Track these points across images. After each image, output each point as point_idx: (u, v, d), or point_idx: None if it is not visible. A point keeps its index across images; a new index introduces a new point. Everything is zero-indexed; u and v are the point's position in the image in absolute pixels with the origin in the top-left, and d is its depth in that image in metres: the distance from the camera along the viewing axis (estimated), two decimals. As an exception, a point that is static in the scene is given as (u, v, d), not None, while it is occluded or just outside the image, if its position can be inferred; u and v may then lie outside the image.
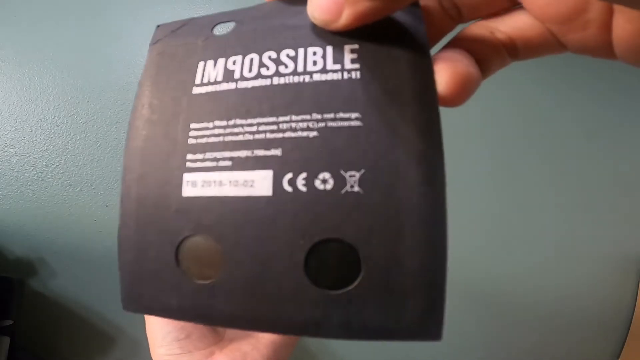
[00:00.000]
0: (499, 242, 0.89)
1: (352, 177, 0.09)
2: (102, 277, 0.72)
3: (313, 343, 0.80)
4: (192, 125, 0.11)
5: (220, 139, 0.10)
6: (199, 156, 0.10)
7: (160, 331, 0.26)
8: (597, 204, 0.94)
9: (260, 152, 0.10)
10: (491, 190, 0.89)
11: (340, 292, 0.09)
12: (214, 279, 0.10)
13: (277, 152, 0.10)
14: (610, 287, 0.94)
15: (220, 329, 0.29)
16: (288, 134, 0.10)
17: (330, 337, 0.09)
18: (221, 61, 0.11)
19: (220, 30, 0.12)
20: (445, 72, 0.10)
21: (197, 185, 0.10)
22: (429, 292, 0.09)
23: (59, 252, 0.70)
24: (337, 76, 0.10)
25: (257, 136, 0.10)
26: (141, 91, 0.12)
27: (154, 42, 0.12)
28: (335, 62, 0.10)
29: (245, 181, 0.10)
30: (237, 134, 0.10)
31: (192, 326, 0.26)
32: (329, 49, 0.11)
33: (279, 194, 0.10)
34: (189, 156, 0.10)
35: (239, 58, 0.11)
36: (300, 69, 0.10)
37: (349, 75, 0.10)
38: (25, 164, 0.71)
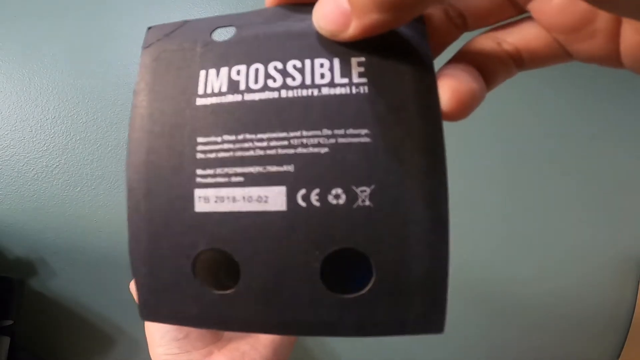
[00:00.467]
0: (499, 243, 0.89)
1: (364, 192, 0.10)
2: (102, 277, 0.72)
3: (313, 343, 0.80)
4: (199, 139, 0.11)
5: (231, 154, 0.10)
6: (210, 172, 0.10)
7: (158, 331, 0.26)
8: (597, 205, 0.94)
9: (273, 168, 0.10)
10: (490, 192, 0.89)
11: (354, 296, 0.10)
12: (232, 289, 0.10)
13: (289, 168, 0.10)
14: (610, 288, 0.94)
15: (215, 332, 0.29)
16: (300, 150, 0.10)
17: (345, 336, 0.10)
18: (224, 70, 0.11)
19: (220, 35, 0.12)
20: (448, 89, 0.11)
21: (209, 201, 0.10)
22: (432, 293, 0.10)
23: (59, 252, 0.70)
24: (345, 90, 0.10)
25: (268, 152, 0.10)
26: (138, 100, 0.11)
27: (147, 46, 0.12)
28: (342, 75, 0.10)
29: (259, 197, 0.10)
30: (247, 149, 0.10)
31: (188, 328, 0.26)
32: (336, 62, 0.11)
33: (293, 209, 0.10)
34: (199, 171, 0.10)
35: (243, 68, 0.11)
36: (308, 81, 0.10)
37: (357, 90, 0.10)
38: (25, 164, 0.71)
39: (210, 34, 0.12)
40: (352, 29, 0.10)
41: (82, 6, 0.77)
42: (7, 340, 0.58)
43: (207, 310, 0.10)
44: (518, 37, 0.13)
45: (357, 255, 0.10)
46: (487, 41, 0.13)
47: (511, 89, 0.92)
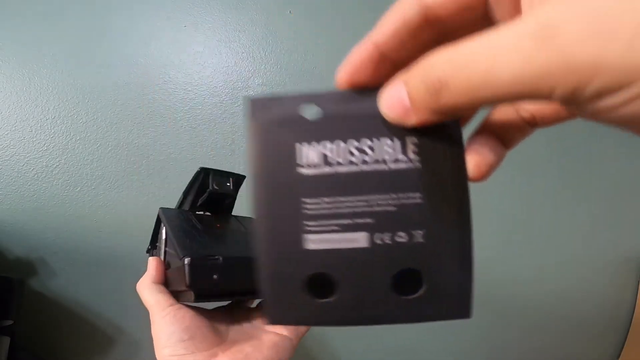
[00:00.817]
0: (500, 245, 0.89)
1: (419, 234, 0.15)
2: (102, 277, 0.72)
3: (313, 343, 0.80)
4: (305, 200, 0.16)
5: (328, 211, 0.16)
6: (314, 223, 0.16)
7: (164, 331, 0.26)
8: (598, 206, 0.94)
9: (359, 221, 0.15)
10: (491, 194, 0.89)
11: (412, 297, 0.15)
12: (332, 298, 0.16)
13: (370, 220, 0.15)
14: (611, 288, 0.94)
15: (223, 331, 0.29)
16: (376, 209, 0.15)
17: (407, 322, 0.16)
18: (316, 145, 0.16)
19: (307, 111, 0.16)
20: (473, 163, 0.15)
21: (315, 242, 0.16)
22: (462, 294, 0.15)
23: (59, 252, 0.70)
24: (405, 165, 0.15)
25: (355, 210, 0.15)
26: (253, 165, 0.16)
27: (252, 116, 0.16)
28: (402, 153, 0.15)
29: (350, 239, 0.15)
30: (340, 207, 0.15)
31: (195, 327, 0.27)
32: (397, 142, 0.15)
33: (373, 245, 0.15)
34: (306, 222, 0.16)
35: (329, 144, 0.16)
36: (379, 158, 0.15)
37: (413, 165, 0.15)
38: (25, 164, 0.71)
39: (298, 109, 0.16)
40: (412, 122, 0.14)
41: (82, 6, 0.77)
42: (7, 340, 0.58)
43: (314, 313, 0.16)
44: (534, 104, 0.15)
45: (414, 272, 0.15)
46: (507, 110, 0.16)
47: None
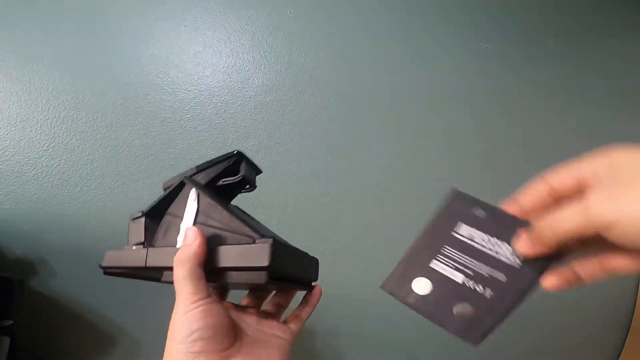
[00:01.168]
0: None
1: (489, 292, 0.25)
2: (102, 277, 0.72)
3: (316, 344, 0.80)
4: (445, 246, 0.28)
5: (453, 256, 0.27)
6: (442, 258, 0.27)
7: (186, 328, 0.26)
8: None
9: (464, 270, 0.26)
10: (491, 189, 0.89)
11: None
12: (425, 295, 0.27)
13: (470, 272, 0.26)
14: (610, 287, 0.94)
15: (235, 334, 0.30)
16: (477, 270, 0.26)
17: (447, 330, 0.26)
18: (470, 228, 0.28)
19: (477, 210, 0.28)
20: (545, 281, 0.25)
21: (437, 265, 0.27)
22: (484, 333, 0.25)
23: (59, 252, 0.70)
24: (508, 261, 0.26)
25: (466, 264, 0.27)
26: (435, 216, 0.29)
27: (451, 199, 0.29)
28: (511, 254, 0.26)
29: (453, 274, 0.27)
30: (460, 258, 0.27)
31: (219, 326, 0.27)
32: (511, 248, 0.26)
33: (464, 286, 0.26)
34: (439, 255, 0.27)
35: (477, 231, 0.27)
36: (496, 250, 0.26)
37: (512, 263, 0.26)
38: (25, 164, 0.71)
39: (473, 208, 0.28)
40: (531, 253, 0.25)
41: (83, 7, 0.77)
42: (7, 340, 0.58)
43: (410, 298, 0.27)
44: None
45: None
46: (590, 262, 0.25)
47: (513, 88, 0.92)
